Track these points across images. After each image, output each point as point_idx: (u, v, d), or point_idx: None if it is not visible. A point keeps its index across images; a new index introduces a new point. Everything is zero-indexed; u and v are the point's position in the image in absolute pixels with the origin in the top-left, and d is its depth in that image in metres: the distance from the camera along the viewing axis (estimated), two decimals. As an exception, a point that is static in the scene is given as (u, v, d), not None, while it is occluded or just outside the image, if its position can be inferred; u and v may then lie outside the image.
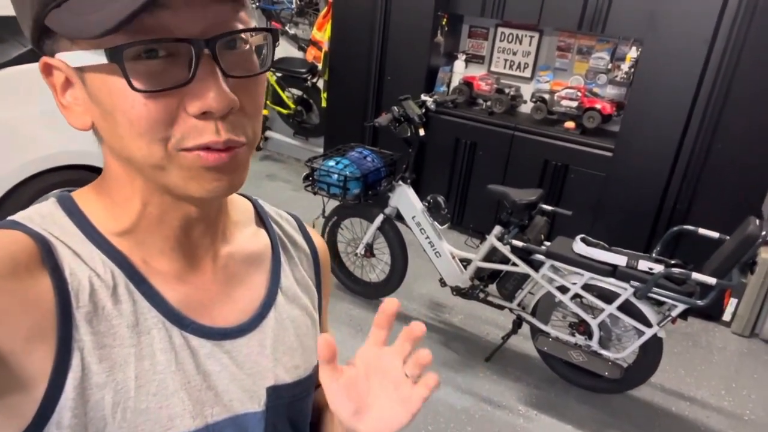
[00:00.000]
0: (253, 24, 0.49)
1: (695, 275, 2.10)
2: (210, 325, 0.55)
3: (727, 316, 3.20)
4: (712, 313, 3.19)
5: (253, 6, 4.56)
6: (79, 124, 0.49)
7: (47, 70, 0.48)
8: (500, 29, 3.87)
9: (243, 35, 0.47)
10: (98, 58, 0.43)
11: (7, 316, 0.44)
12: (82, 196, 0.54)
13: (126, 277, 0.51)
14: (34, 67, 2.24)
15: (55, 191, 0.55)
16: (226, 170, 0.48)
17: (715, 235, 2.35)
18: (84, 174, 2.79)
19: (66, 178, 2.73)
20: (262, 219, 0.67)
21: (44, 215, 0.51)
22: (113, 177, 0.52)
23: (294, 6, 4.57)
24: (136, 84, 0.43)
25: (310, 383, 0.64)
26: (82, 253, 0.50)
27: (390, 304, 0.55)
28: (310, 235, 0.72)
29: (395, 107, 2.73)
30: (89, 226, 0.52)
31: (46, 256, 0.47)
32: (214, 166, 0.46)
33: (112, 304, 0.50)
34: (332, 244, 3.07)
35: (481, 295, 2.73)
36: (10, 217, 0.50)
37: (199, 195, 0.48)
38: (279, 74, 4.66)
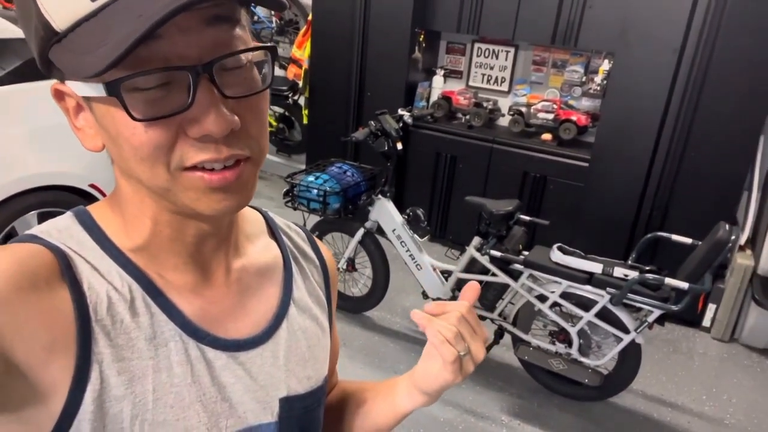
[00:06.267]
0: (251, 41, 0.49)
1: (668, 280, 2.13)
2: (225, 337, 0.56)
3: (706, 322, 3.24)
4: (692, 319, 3.23)
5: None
6: (92, 146, 0.50)
7: (59, 96, 0.50)
8: (477, 45, 3.94)
9: (242, 54, 0.47)
10: (99, 91, 0.44)
11: (26, 328, 0.44)
12: (98, 211, 0.55)
13: (143, 290, 0.52)
14: (13, 89, 2.22)
15: (78, 207, 0.56)
16: (232, 190, 0.48)
17: (688, 241, 2.39)
18: (63, 195, 2.78)
19: (44, 199, 2.72)
20: (272, 231, 0.67)
21: (61, 229, 0.52)
22: (124, 196, 0.53)
23: (274, 25, 4.62)
24: (135, 114, 0.43)
25: (322, 393, 0.65)
26: (100, 267, 0.51)
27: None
28: (319, 247, 0.73)
29: (372, 122, 2.77)
30: (106, 240, 0.52)
31: (65, 269, 0.48)
32: (220, 187, 0.47)
33: (130, 317, 0.50)
34: (314, 259, 3.07)
35: (463, 307, 2.74)
36: (27, 232, 0.51)
37: (208, 213, 0.49)
38: (260, 92, 4.69)
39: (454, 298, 2.75)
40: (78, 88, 0.46)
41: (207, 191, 0.47)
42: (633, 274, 2.22)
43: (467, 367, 0.62)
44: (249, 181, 0.50)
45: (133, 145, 0.45)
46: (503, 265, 2.51)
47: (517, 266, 2.46)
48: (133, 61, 0.41)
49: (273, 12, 4.56)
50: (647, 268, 2.28)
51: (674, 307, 2.14)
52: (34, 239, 0.50)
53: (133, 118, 0.43)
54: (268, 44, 0.50)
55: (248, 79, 0.48)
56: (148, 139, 0.45)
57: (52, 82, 0.50)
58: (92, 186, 2.84)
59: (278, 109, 4.79)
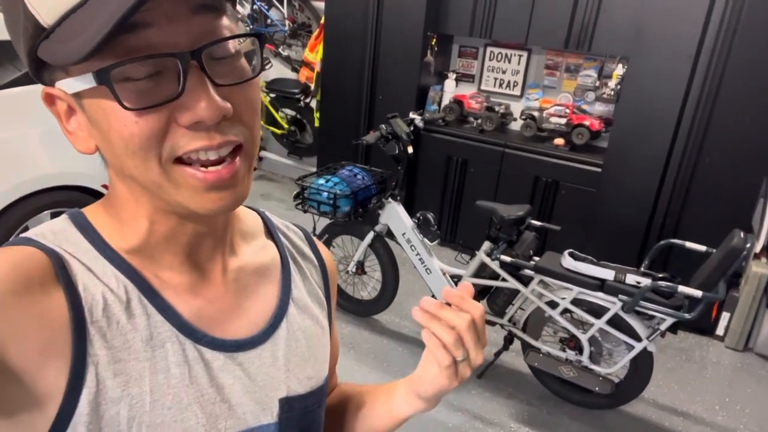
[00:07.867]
0: (239, 30, 0.49)
1: (681, 288, 2.10)
2: (223, 337, 0.55)
3: (720, 331, 3.18)
4: (706, 328, 3.18)
5: (247, 28, 4.63)
6: (84, 149, 0.50)
7: (50, 100, 0.49)
8: (489, 48, 3.93)
9: (230, 42, 0.47)
10: (89, 82, 0.44)
11: (21, 332, 0.44)
12: (93, 213, 0.54)
13: (139, 291, 0.51)
14: (30, 89, 2.26)
15: (73, 209, 0.56)
16: (228, 186, 0.48)
17: (702, 248, 2.36)
18: (76, 195, 2.81)
19: (58, 199, 2.75)
20: (270, 231, 0.67)
21: (56, 232, 0.52)
22: (119, 197, 0.53)
23: (287, 28, 4.64)
24: (126, 103, 0.43)
25: (322, 394, 0.64)
26: (95, 268, 0.50)
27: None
28: (317, 246, 0.72)
29: (383, 125, 2.77)
30: (101, 241, 0.52)
31: (60, 271, 0.47)
32: (215, 185, 0.47)
33: (126, 319, 0.50)
34: (324, 262, 3.07)
35: (472, 312, 2.72)
36: (22, 234, 0.51)
37: (203, 212, 0.49)
38: (272, 95, 4.72)
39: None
40: (68, 86, 0.46)
41: (201, 190, 0.47)
42: (646, 282, 2.19)
43: (463, 372, 0.61)
44: (244, 178, 0.50)
45: (124, 137, 0.45)
46: (513, 270, 2.50)
47: (528, 272, 2.44)
48: (122, 50, 0.42)
49: (286, 15, 4.58)
50: (660, 275, 2.25)
51: (687, 315, 2.11)
52: (28, 242, 0.49)
53: (125, 107, 0.43)
54: (254, 31, 0.51)
55: (238, 69, 0.48)
56: (140, 130, 0.44)
57: None
58: (105, 186, 2.86)
59: (290, 112, 4.80)
